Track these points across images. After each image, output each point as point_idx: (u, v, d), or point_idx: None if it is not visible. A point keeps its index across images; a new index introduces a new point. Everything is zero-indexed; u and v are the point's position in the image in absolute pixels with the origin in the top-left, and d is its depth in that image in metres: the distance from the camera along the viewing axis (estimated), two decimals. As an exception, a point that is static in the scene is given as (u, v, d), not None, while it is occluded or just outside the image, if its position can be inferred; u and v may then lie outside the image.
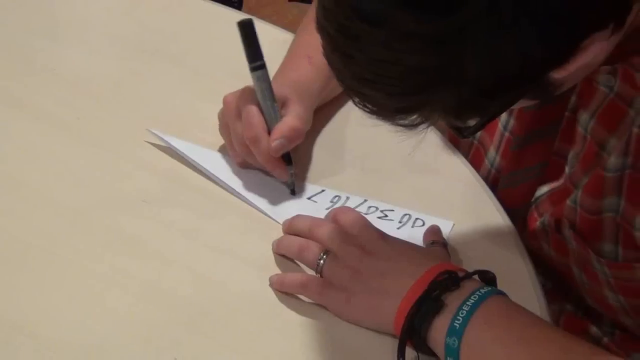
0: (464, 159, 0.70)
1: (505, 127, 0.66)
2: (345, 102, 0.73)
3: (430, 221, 0.63)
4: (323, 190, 0.68)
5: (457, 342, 0.51)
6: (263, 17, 0.85)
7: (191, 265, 0.60)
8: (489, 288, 0.53)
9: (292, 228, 0.61)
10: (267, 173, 0.66)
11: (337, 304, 0.56)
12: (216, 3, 0.87)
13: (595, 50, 0.43)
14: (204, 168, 0.67)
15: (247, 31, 0.63)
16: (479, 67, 0.42)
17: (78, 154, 0.69)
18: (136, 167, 0.68)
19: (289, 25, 1.00)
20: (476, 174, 0.69)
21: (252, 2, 1.63)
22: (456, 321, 0.51)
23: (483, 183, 0.68)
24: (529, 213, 0.67)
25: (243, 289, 0.58)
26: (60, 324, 0.55)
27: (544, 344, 0.51)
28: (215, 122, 0.68)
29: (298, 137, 0.65)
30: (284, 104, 0.65)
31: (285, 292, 0.58)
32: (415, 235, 0.62)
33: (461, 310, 0.51)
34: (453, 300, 0.51)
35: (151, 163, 0.68)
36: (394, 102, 0.45)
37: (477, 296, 0.51)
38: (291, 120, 0.64)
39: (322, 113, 0.73)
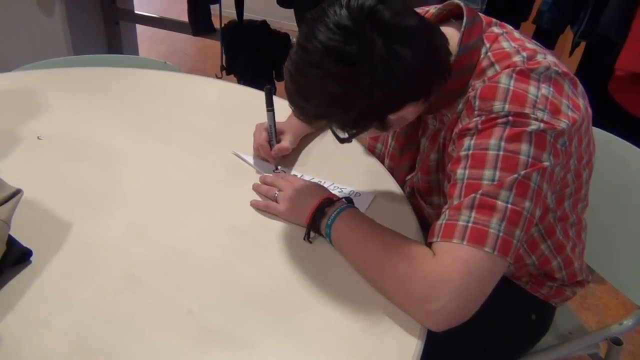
0: (378, 162, 1.25)
1: (390, 145, 1.20)
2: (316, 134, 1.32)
3: (363, 193, 1.15)
4: (302, 175, 1.21)
5: (329, 230, 0.97)
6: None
7: (225, 217, 1.10)
8: (347, 205, 0.99)
9: (264, 180, 1.14)
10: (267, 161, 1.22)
11: (281, 212, 1.05)
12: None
13: (410, 109, 0.89)
14: (253, 165, 1.22)
15: (268, 92, 1.23)
16: (359, 106, 0.83)
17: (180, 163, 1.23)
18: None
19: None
20: (384, 168, 1.23)
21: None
22: (329, 220, 0.98)
23: (389, 174, 1.22)
24: (406, 185, 1.18)
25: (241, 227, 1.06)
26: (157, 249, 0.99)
27: (373, 233, 0.95)
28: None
29: (286, 151, 1.22)
30: (282, 133, 1.24)
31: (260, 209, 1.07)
32: (355, 199, 1.11)
33: (332, 215, 0.98)
34: (329, 211, 0.99)
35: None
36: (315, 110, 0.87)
37: (339, 209, 0.98)
38: (283, 143, 1.22)
39: (305, 138, 1.31)
